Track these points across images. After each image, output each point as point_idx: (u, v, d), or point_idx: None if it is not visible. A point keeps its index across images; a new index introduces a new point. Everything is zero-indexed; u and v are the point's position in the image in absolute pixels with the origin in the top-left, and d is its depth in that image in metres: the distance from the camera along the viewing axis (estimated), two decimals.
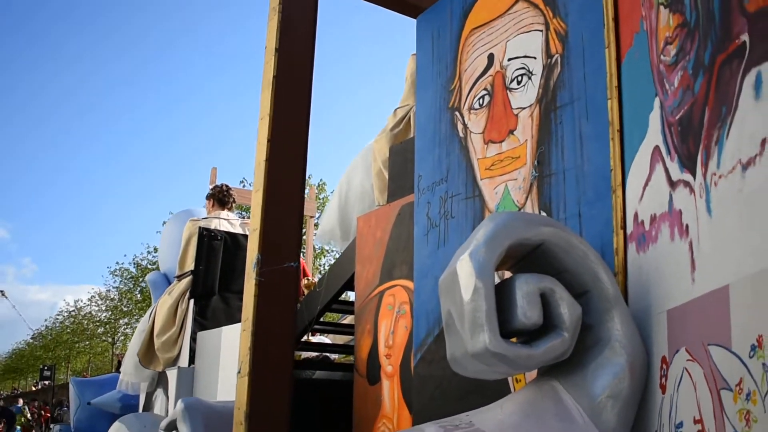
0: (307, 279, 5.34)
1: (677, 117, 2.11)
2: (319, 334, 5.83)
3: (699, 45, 2.02)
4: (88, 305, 38.24)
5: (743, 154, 1.72)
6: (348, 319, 5.49)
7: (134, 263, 32.77)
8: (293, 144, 3.31)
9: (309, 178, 23.82)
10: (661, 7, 2.34)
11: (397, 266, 3.94)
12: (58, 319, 40.66)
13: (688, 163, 2.00)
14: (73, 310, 39.23)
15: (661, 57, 2.30)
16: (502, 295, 2.12)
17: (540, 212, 2.94)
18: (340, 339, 5.92)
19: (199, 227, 5.27)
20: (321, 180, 23.51)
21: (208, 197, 5.80)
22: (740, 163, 1.72)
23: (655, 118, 2.30)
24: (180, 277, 5.45)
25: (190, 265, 5.34)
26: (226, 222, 5.57)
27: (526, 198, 3.04)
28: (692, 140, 1.99)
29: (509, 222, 2.18)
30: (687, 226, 2.00)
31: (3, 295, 35.40)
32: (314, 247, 13.19)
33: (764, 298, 1.50)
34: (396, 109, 4.63)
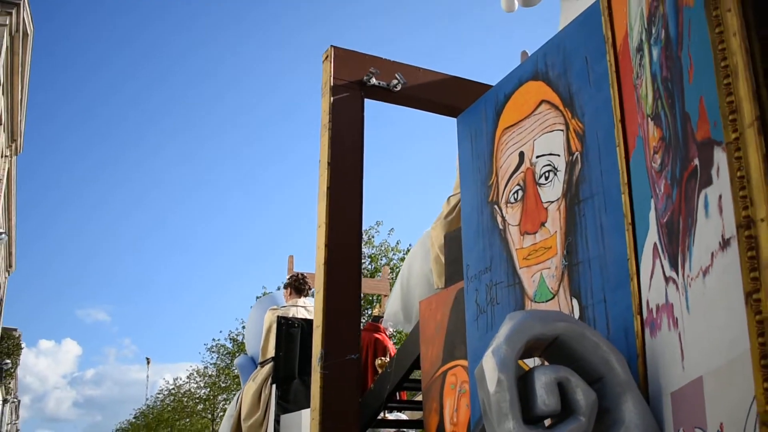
0: (380, 359, 5.75)
1: (664, 220, 2.46)
2: (396, 410, 6.19)
3: (672, 159, 2.39)
4: (187, 383, 39.40)
5: (703, 263, 2.07)
6: (419, 397, 5.85)
7: (230, 339, 33.83)
8: (348, 248, 3.79)
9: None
10: (649, 119, 2.72)
11: (457, 347, 4.30)
12: (158, 397, 42.00)
13: (673, 263, 2.34)
14: (173, 388, 40.51)
15: (652, 163, 2.66)
16: (526, 385, 2.49)
17: (571, 298, 3.28)
18: (417, 415, 6.27)
19: (278, 316, 5.79)
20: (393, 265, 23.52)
21: (285, 286, 6.35)
22: (701, 270, 2.07)
23: (652, 218, 2.65)
24: (263, 364, 5.97)
25: (271, 352, 5.85)
26: (303, 309, 6.08)
27: (559, 285, 3.39)
28: (674, 243, 2.34)
29: (526, 321, 2.56)
30: (676, 318, 2.34)
31: (148, 362, 37.35)
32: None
33: (724, 391, 1.83)
34: (449, 197, 5.06)
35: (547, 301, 3.56)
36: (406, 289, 5.21)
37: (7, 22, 24.10)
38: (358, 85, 3.99)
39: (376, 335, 6.31)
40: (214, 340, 35.73)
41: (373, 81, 4.00)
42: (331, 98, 3.89)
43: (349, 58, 4.02)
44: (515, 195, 3.82)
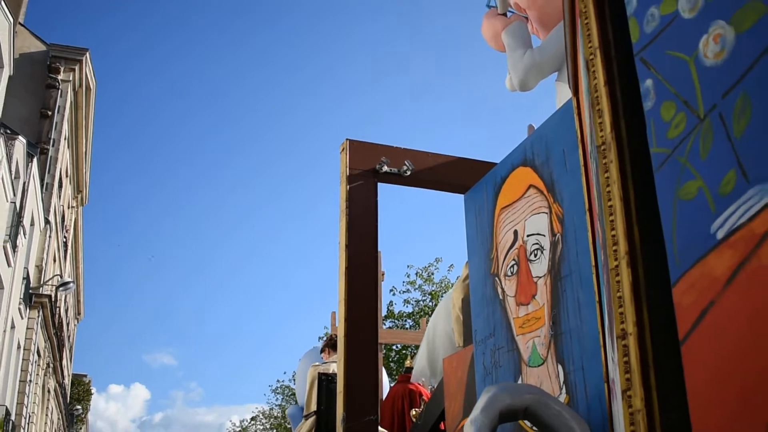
0: (415, 410, 6.33)
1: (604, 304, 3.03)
2: None
3: (600, 255, 2.96)
4: (253, 424, 40.35)
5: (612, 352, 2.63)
6: None
7: (294, 380, 34.63)
8: (365, 321, 4.41)
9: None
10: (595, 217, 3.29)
11: (475, 403, 4.88)
12: None
13: (610, 342, 2.90)
14: (239, 430, 41.51)
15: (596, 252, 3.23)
16: None
17: (557, 365, 3.84)
18: None
19: (318, 372, 6.45)
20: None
21: (323, 348, 7.05)
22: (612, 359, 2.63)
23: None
24: (307, 417, 6.63)
25: (314, 406, 6.50)
26: None
27: (548, 352, 3.96)
28: (607, 326, 2.90)
29: (498, 395, 3.17)
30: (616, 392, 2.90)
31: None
32: None
33: None
34: (467, 262, 5.65)
35: (538, 366, 4.13)
36: (432, 346, 5.80)
37: (71, 78, 25.85)
38: (371, 173, 4.64)
39: (410, 386, 6.88)
40: (278, 381, 36.57)
41: (385, 168, 4.64)
42: (348, 186, 4.55)
43: (362, 149, 4.67)
44: (511, 269, 4.41)
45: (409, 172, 4.74)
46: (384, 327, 25.80)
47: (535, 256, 4.18)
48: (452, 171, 4.82)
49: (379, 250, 7.87)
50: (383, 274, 7.75)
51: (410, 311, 25.55)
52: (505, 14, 5.28)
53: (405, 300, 25.63)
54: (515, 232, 4.41)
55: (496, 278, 4.55)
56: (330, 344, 6.88)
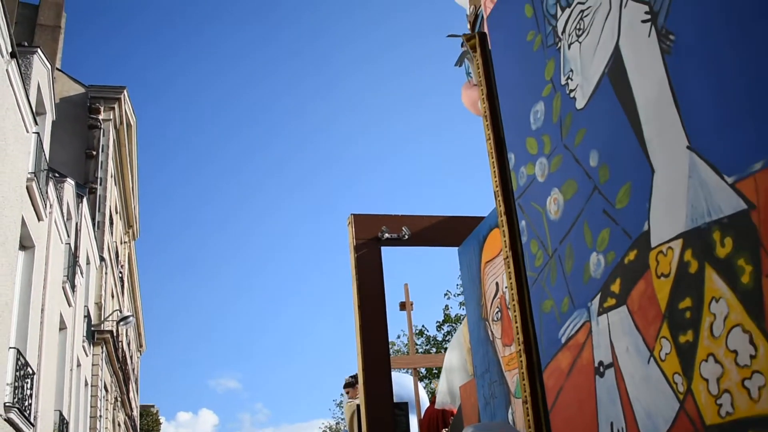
0: (445, 430, 7.38)
1: None
2: None
3: None
4: None
5: None
6: None
7: None
8: (379, 367, 5.48)
9: None
10: None
11: None
12: None
13: None
14: None
15: None
16: None
17: None
18: None
19: (356, 406, 7.58)
20: None
21: (345, 387, 8.24)
22: None
23: None
24: None
25: None
26: None
27: None
28: None
29: None
30: None
31: None
32: None
33: None
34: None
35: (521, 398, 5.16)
36: (450, 376, 6.83)
37: (111, 117, 27.53)
38: (375, 241, 5.68)
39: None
40: (342, 394, 37.90)
41: (386, 235, 5.69)
42: (355, 254, 5.61)
43: (365, 220, 5.72)
44: (497, 315, 5.43)
45: (407, 236, 5.78)
46: (418, 352, 27.96)
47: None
48: (445, 229, 5.83)
49: (406, 282, 8.95)
50: (412, 304, 8.81)
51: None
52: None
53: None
54: (497, 284, 5.44)
55: (487, 322, 5.59)
56: (349, 384, 8.05)
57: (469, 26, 6.67)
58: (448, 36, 6.04)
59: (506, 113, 3.34)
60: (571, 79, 2.83)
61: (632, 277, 2.45)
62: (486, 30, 3.58)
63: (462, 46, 3.76)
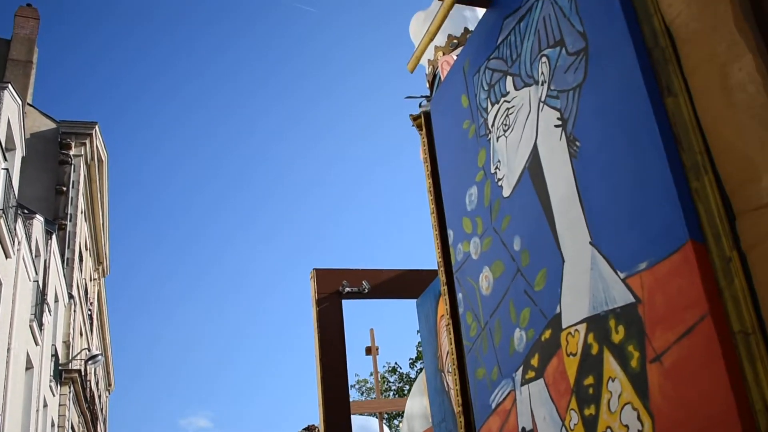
0: None
1: None
2: None
3: None
4: None
5: None
6: None
7: None
8: (340, 415, 5.76)
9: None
10: None
11: None
12: None
13: None
14: None
15: None
16: None
17: None
18: None
19: None
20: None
21: None
22: None
23: None
24: None
25: None
26: None
27: None
28: None
29: None
30: None
31: None
32: None
33: None
34: None
35: None
36: (411, 422, 7.13)
37: (83, 153, 27.65)
38: (336, 295, 5.99)
39: None
40: None
41: (347, 289, 6.00)
42: (317, 308, 5.91)
43: (327, 275, 6.03)
44: (450, 367, 5.74)
45: (367, 290, 6.10)
46: (390, 389, 28.57)
47: None
48: (404, 282, 6.15)
49: (371, 328, 9.23)
50: (377, 349, 9.10)
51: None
52: None
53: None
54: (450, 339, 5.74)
55: (442, 373, 5.89)
56: None
57: (428, 85, 7.08)
58: (406, 98, 6.42)
59: (446, 192, 3.68)
60: (499, 169, 3.18)
61: (548, 354, 2.78)
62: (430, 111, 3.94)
63: (415, 118, 4.10)
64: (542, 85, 2.95)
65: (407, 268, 6.35)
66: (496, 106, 3.26)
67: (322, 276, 6.01)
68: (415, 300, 6.54)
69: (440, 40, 6.76)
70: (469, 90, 3.50)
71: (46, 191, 26.61)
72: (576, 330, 2.63)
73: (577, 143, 2.71)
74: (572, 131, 2.74)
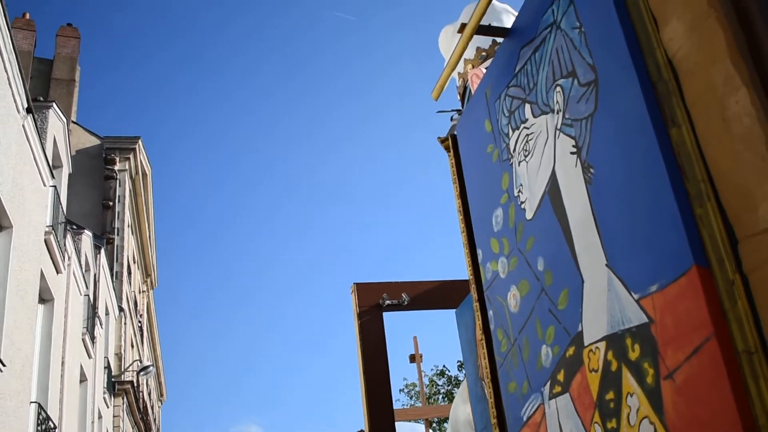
0: None
1: None
2: None
3: None
4: None
5: None
6: None
7: None
8: (386, 424, 5.97)
9: None
10: None
11: None
12: None
13: None
14: None
15: None
16: None
17: None
18: None
19: None
20: None
21: None
22: None
23: None
24: None
25: None
26: None
27: None
28: None
29: None
30: None
31: None
32: None
33: None
34: None
35: None
36: (455, 427, 7.30)
37: (127, 167, 28.35)
38: (377, 308, 6.20)
39: None
40: None
41: (387, 302, 6.21)
42: (359, 321, 6.13)
43: (367, 289, 6.26)
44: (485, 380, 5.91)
45: (407, 302, 6.31)
46: (440, 392, 28.85)
47: None
48: (443, 293, 6.34)
49: (414, 335, 9.43)
50: (421, 356, 9.30)
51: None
52: None
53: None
54: None
55: (483, 381, 6.06)
56: None
57: (459, 97, 7.26)
58: (438, 112, 6.61)
59: (474, 213, 3.87)
60: (522, 193, 3.36)
61: (572, 370, 2.95)
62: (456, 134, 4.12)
63: (443, 140, 4.29)
64: (558, 113, 3.12)
65: (446, 279, 6.54)
66: (517, 132, 3.44)
67: (363, 290, 6.23)
68: (454, 310, 6.72)
69: (469, 53, 6.95)
70: (492, 115, 3.68)
71: (93, 206, 27.36)
72: (597, 347, 2.80)
73: (592, 170, 2.88)
74: (586, 158, 2.91)
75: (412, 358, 9.49)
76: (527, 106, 3.37)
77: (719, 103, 2.42)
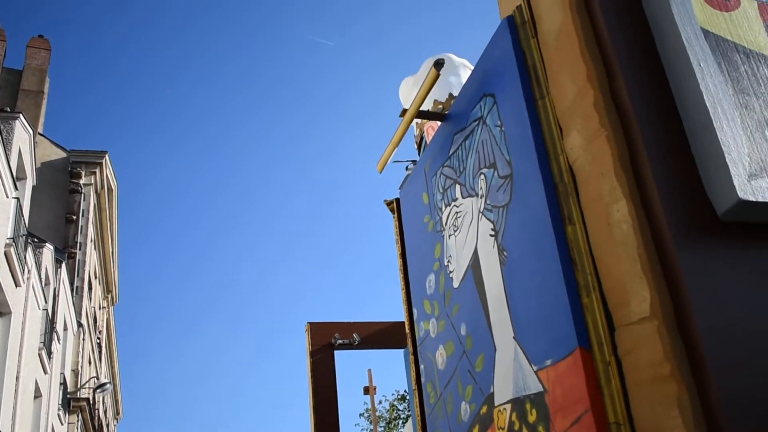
0: None
1: None
2: None
3: None
4: None
5: None
6: None
7: None
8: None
9: None
10: None
11: None
12: None
13: None
14: None
15: None
16: None
17: None
18: None
19: None
20: None
21: None
22: None
23: None
24: None
25: None
26: None
27: None
28: None
29: None
30: None
31: None
32: None
33: None
34: None
35: None
36: None
37: (92, 182, 28.50)
38: (329, 346, 6.61)
39: None
40: None
41: (339, 341, 6.63)
42: (311, 359, 6.54)
43: (320, 328, 6.67)
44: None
45: (357, 342, 6.73)
46: (400, 417, 29.66)
47: None
48: (392, 334, 6.76)
49: (369, 368, 9.88)
50: (375, 388, 9.71)
51: None
52: None
53: None
54: None
55: None
56: None
57: (416, 146, 7.74)
58: (393, 161, 7.08)
59: (412, 274, 4.32)
60: (450, 263, 3.82)
61: (484, 426, 3.39)
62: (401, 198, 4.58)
63: (389, 203, 4.74)
64: (481, 198, 3.59)
65: (396, 321, 6.98)
66: (449, 208, 3.90)
67: (316, 329, 6.64)
68: (403, 350, 7.14)
69: (427, 105, 7.44)
70: (429, 189, 4.14)
71: (57, 220, 27.43)
72: (504, 408, 3.24)
73: (505, 253, 3.34)
74: (502, 242, 3.38)
75: (366, 390, 9.88)
76: (458, 187, 3.83)
77: (605, 210, 2.90)
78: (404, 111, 4.27)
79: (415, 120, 7.72)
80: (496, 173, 3.46)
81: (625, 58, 3.05)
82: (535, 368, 3.05)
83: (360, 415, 31.24)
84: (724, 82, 2.92)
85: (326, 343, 6.60)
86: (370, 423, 30.83)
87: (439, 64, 3.99)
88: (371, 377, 10.40)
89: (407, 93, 8.00)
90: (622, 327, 2.77)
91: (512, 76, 3.40)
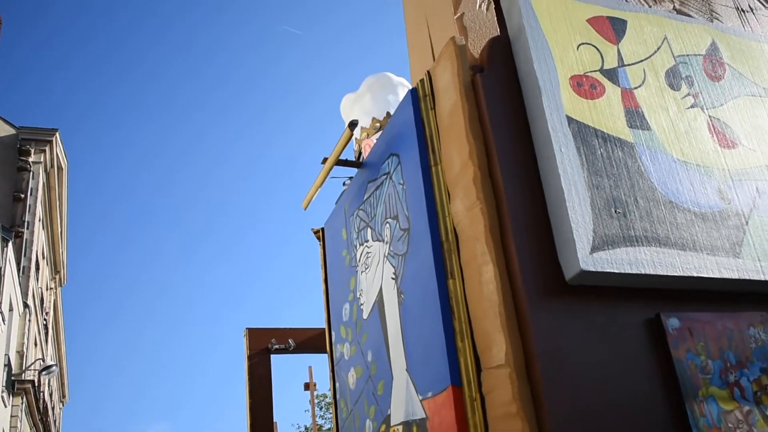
0: None
1: None
2: None
3: None
4: None
5: None
6: None
7: None
8: None
9: None
10: None
11: None
12: None
13: None
14: None
15: None
16: None
17: None
18: None
19: None
20: None
21: None
22: None
23: None
24: None
25: None
26: None
27: None
28: None
29: None
30: None
31: None
32: None
33: None
34: None
35: None
36: None
37: (42, 159, 28.60)
38: (266, 351, 7.23)
39: None
40: None
41: (275, 346, 7.25)
42: (248, 363, 7.15)
43: (258, 333, 7.28)
44: None
45: (292, 347, 7.36)
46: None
47: None
48: (324, 340, 7.38)
49: (310, 365, 10.45)
50: (315, 385, 10.38)
51: None
52: None
53: None
54: None
55: None
56: None
57: (355, 156, 8.33)
58: (331, 178, 7.66)
59: (332, 300, 4.95)
60: (361, 296, 4.46)
61: None
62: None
63: (316, 231, 5.35)
64: (386, 244, 4.22)
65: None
66: (361, 248, 4.53)
67: (254, 335, 7.26)
68: None
69: (365, 122, 8.05)
70: (347, 226, 4.77)
71: (4, 198, 27.52)
72: (398, 428, 3.90)
73: (402, 296, 3.98)
74: (400, 286, 4.02)
75: (306, 386, 10.53)
76: (369, 230, 4.45)
77: (478, 270, 3.55)
78: (325, 159, 4.88)
79: (355, 137, 8.32)
80: (398, 225, 4.10)
81: (502, 140, 3.70)
82: (420, 398, 3.71)
83: (305, 411, 32.19)
84: (581, 165, 3.58)
85: (263, 348, 7.22)
86: (320, 410, 31.65)
87: (353, 125, 4.59)
88: (312, 374, 11.08)
89: (348, 110, 8.59)
90: (486, 370, 3.43)
91: (412, 142, 4.03)
